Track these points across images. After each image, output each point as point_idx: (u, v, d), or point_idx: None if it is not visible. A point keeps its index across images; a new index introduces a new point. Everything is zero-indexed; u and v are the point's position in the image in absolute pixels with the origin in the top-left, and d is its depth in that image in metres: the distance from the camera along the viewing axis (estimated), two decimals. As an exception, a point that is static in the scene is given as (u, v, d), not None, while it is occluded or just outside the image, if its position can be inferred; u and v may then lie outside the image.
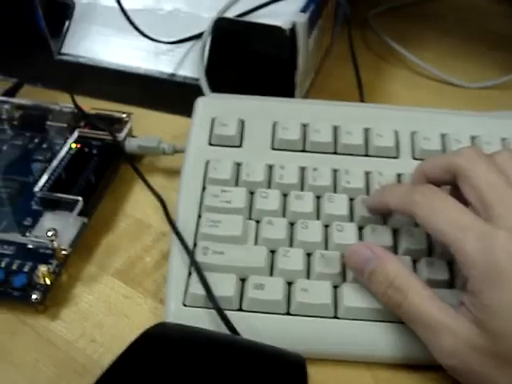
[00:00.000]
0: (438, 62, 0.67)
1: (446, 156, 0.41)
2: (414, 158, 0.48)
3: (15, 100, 0.55)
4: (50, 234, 0.43)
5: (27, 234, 0.45)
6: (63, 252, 0.44)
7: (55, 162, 0.49)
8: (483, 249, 0.34)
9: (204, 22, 0.56)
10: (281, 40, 0.51)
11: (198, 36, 0.57)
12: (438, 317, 0.36)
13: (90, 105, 0.55)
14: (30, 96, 0.58)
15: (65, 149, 0.50)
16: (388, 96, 0.62)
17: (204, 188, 0.45)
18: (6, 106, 0.55)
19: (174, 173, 0.52)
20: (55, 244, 0.43)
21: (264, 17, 0.55)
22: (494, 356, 0.33)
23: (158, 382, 0.28)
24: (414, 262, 0.42)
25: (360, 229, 0.44)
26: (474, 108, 0.60)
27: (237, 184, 0.46)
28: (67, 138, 0.52)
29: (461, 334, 0.35)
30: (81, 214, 0.46)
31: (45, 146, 0.52)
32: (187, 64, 0.57)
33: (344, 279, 0.41)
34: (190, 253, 0.41)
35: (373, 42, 0.70)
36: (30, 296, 0.42)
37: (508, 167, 0.38)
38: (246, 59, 0.54)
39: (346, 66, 0.61)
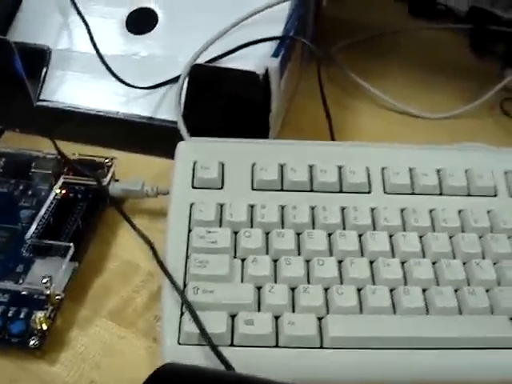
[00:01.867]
0: (399, 93, 0.71)
1: None
2: (385, 192, 0.51)
3: (-1, 146, 0.57)
4: (44, 280, 0.45)
5: (20, 281, 0.47)
6: (57, 297, 0.46)
7: (43, 210, 0.51)
8: None
9: (179, 65, 0.59)
10: (255, 84, 0.54)
11: (174, 80, 0.60)
12: None
13: (71, 149, 0.57)
14: (11, 142, 0.59)
15: (51, 195, 0.53)
16: (354, 129, 0.66)
17: (190, 230, 0.48)
18: (-11, 154, 0.56)
19: (157, 214, 0.54)
20: (50, 290, 0.44)
21: (237, 60, 0.58)
22: None
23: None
24: (390, 291, 0.45)
25: (340, 262, 0.46)
26: (437, 138, 0.64)
27: (221, 224, 0.48)
28: (52, 184, 0.54)
29: None
30: (71, 259, 0.48)
31: (30, 192, 0.54)
32: (164, 107, 0.60)
33: (327, 311, 0.44)
34: (182, 293, 0.44)
35: (336, 76, 0.74)
36: (29, 342, 0.43)
37: None
38: (221, 103, 0.56)
39: (313, 102, 0.64)
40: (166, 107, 0.59)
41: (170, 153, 0.54)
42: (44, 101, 0.62)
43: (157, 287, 0.48)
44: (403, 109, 0.69)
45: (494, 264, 0.47)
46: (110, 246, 0.52)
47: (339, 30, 0.82)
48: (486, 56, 0.81)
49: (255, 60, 0.58)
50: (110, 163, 0.55)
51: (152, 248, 0.47)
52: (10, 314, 0.45)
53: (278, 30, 0.61)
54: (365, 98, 0.71)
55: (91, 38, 0.60)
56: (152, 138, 0.60)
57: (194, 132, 0.55)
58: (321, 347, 0.43)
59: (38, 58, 0.63)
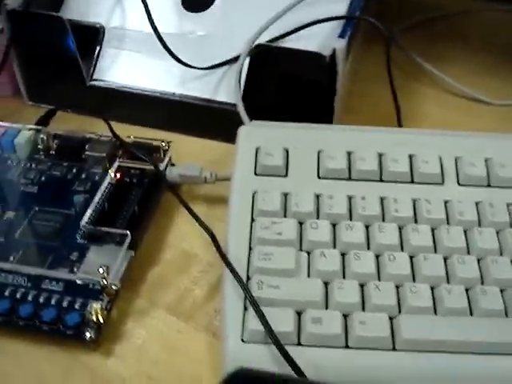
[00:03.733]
0: (465, 78, 0.67)
1: None
2: (459, 184, 0.47)
3: (51, 129, 0.55)
4: (101, 270, 0.43)
5: (75, 270, 0.45)
6: (114, 287, 0.43)
7: (98, 194, 0.49)
8: None
9: (237, 45, 0.56)
10: (320, 66, 0.51)
11: (232, 61, 0.57)
12: None
13: (125, 131, 0.55)
14: (63, 123, 0.57)
15: (106, 180, 0.50)
16: (420, 116, 0.62)
17: (253, 219, 0.45)
18: (42, 135, 0.54)
19: (215, 201, 0.52)
20: (107, 281, 0.42)
21: (298, 40, 0.55)
22: None
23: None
24: (466, 290, 0.42)
25: (411, 257, 0.43)
26: (504, 125, 0.60)
27: (286, 215, 0.45)
28: (106, 168, 0.52)
29: None
30: (128, 247, 0.46)
31: (83, 176, 0.52)
32: (223, 89, 0.57)
33: (399, 310, 0.41)
34: (246, 287, 0.41)
35: (399, 58, 0.70)
36: (84, 334, 0.41)
37: None
38: (283, 85, 0.54)
39: (375, 85, 0.61)
40: (225, 89, 0.57)
41: (227, 136, 0.52)
42: (97, 80, 0.60)
43: (216, 279, 0.46)
44: (471, 95, 0.65)
45: None
46: (166, 234, 0.50)
47: (400, 10, 0.78)
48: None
49: (318, 40, 0.55)
50: (166, 147, 0.52)
51: (213, 237, 0.44)
52: (64, 305, 0.43)
53: (341, 9, 0.58)
54: (429, 82, 0.68)
55: (149, 16, 0.58)
56: (209, 120, 0.57)
57: (254, 115, 0.53)
58: (393, 349, 0.40)
59: (91, 37, 0.60)
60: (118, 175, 0.51)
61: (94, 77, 0.60)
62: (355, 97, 0.63)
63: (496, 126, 0.62)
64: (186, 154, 0.55)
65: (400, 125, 0.56)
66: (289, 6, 0.57)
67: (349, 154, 0.48)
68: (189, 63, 0.57)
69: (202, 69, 0.57)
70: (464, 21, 0.78)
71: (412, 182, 0.48)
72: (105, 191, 0.50)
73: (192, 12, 0.61)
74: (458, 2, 0.81)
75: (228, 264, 0.42)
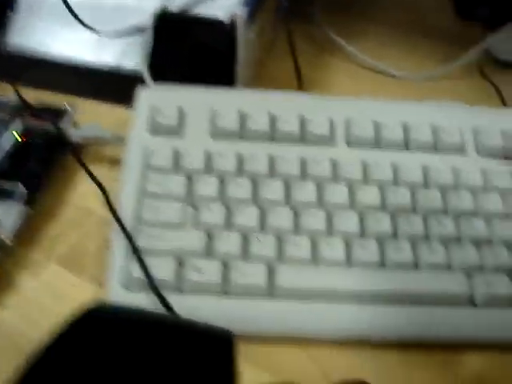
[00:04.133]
0: (378, 53, 0.69)
1: None
2: (348, 146, 0.49)
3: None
4: (-6, 223, 0.44)
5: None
6: (7, 241, 0.44)
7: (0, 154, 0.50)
8: None
9: (147, 13, 0.57)
10: (221, 33, 0.53)
11: (141, 29, 0.58)
12: None
13: (36, 96, 0.56)
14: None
15: (8, 139, 0.51)
16: (328, 87, 0.64)
17: (145, 176, 0.46)
18: None
19: (117, 163, 0.53)
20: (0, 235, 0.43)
21: (208, 7, 0.56)
22: None
23: (91, 359, 0.29)
24: (346, 243, 0.44)
25: (295, 212, 0.45)
26: (412, 98, 0.62)
27: (176, 171, 0.47)
28: (10, 129, 0.52)
29: None
30: (24, 203, 0.47)
31: (-12, 136, 0.53)
32: (130, 56, 0.58)
33: (279, 261, 0.43)
34: (131, 238, 0.43)
35: (315, 34, 0.72)
36: (-25, 283, 0.42)
37: None
38: (187, 51, 0.55)
39: (288, 58, 0.62)
40: (133, 56, 0.58)
41: (134, 102, 0.53)
42: (8, 46, 0.60)
43: (109, 234, 0.47)
44: (380, 68, 0.67)
45: (454, 220, 0.46)
46: (66, 193, 0.51)
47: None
48: (469, 20, 0.79)
49: (226, 8, 0.56)
50: (70, 109, 0.53)
51: (104, 192, 0.46)
52: (-44, 255, 0.44)
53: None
54: (342, 56, 0.69)
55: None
56: (118, 86, 0.58)
57: (160, 81, 0.54)
58: (270, 297, 0.42)
59: (3, 3, 0.61)
60: (21, 136, 0.52)
61: (5, 43, 0.60)
62: (268, 67, 0.65)
63: (403, 98, 0.64)
64: (95, 119, 0.56)
65: (300, 89, 0.58)
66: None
67: (241, 114, 0.50)
68: (100, 30, 0.58)
69: (110, 35, 0.58)
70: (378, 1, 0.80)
71: (302, 142, 0.49)
72: (7, 151, 0.50)
73: (106, -19, 0.62)
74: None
75: (115, 215, 0.43)
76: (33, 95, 0.55)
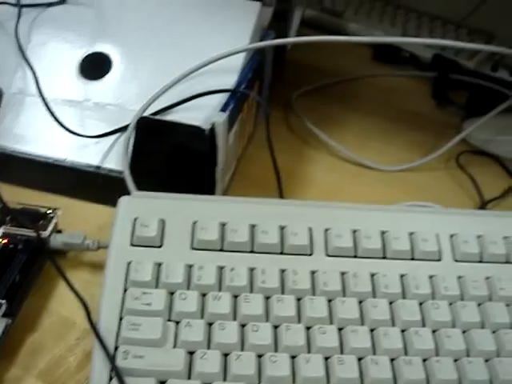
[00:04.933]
0: (356, 144, 0.71)
1: None
2: (327, 255, 0.50)
3: None
4: (-28, 341, 0.44)
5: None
6: (-14, 356, 0.45)
7: (-22, 263, 0.50)
8: None
9: (129, 114, 0.59)
10: (201, 139, 0.54)
11: (123, 129, 0.59)
12: None
13: (18, 194, 0.57)
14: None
15: (-11, 247, 0.51)
16: (305, 181, 0.65)
17: (125, 290, 0.47)
18: None
19: (99, 267, 0.53)
20: (-22, 351, 0.44)
21: (187, 111, 0.58)
22: None
23: None
24: (326, 359, 0.44)
25: (276, 327, 0.46)
26: (390, 191, 0.64)
27: (157, 285, 0.47)
28: (-8, 236, 0.53)
29: None
30: (5, 315, 0.47)
31: (-31, 243, 0.53)
32: (112, 157, 0.59)
33: (259, 380, 0.43)
34: (111, 357, 0.43)
35: (294, 124, 0.74)
36: (-48, 404, 0.42)
37: None
38: (168, 156, 0.56)
39: (267, 152, 0.63)
40: (114, 157, 0.59)
41: (116, 202, 0.53)
42: (-10, 145, 0.61)
43: (91, 347, 0.47)
44: (358, 160, 0.69)
45: (433, 332, 0.47)
46: (47, 301, 0.51)
47: (303, 74, 0.82)
48: (447, 105, 0.81)
49: (205, 112, 0.57)
50: (52, 214, 0.54)
51: (85, 307, 0.46)
52: None
53: (231, 81, 0.61)
54: (321, 147, 0.71)
55: (37, 85, 0.60)
56: (99, 186, 0.59)
57: (141, 183, 0.55)
58: (251, 420, 0.42)
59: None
60: (4, 240, 0.52)
61: (-13, 141, 0.61)
62: (246, 163, 0.66)
63: (382, 191, 0.66)
64: (77, 218, 0.57)
65: (281, 193, 0.59)
66: (178, 78, 0.60)
67: (222, 225, 0.50)
68: (82, 130, 0.59)
69: (91, 137, 0.59)
70: (363, 85, 0.83)
71: (282, 253, 0.50)
72: (-14, 259, 0.51)
73: (89, 80, 0.63)
74: (361, 67, 0.85)
75: (96, 333, 0.44)
76: (13, 194, 0.56)
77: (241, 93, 0.58)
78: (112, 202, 0.55)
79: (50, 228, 0.53)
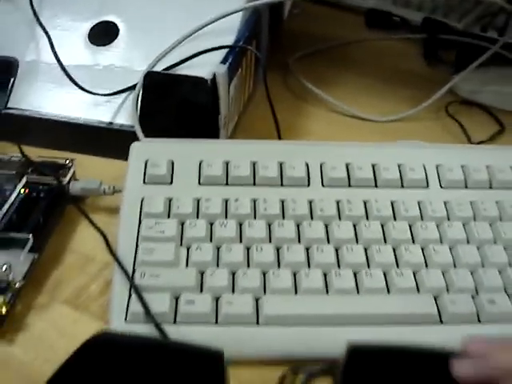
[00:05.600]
0: (351, 99, 0.75)
1: None
2: (323, 186, 0.55)
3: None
4: (4, 268, 0.49)
5: (-18, 271, 0.50)
6: (17, 284, 0.49)
7: (6, 206, 0.55)
8: None
9: (137, 74, 0.63)
10: (203, 89, 0.58)
11: (132, 87, 0.64)
12: None
13: (36, 153, 0.61)
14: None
15: (14, 194, 0.56)
16: (305, 133, 0.70)
17: (140, 221, 0.52)
18: (-44, 158, 0.60)
19: (115, 210, 0.58)
20: (10, 277, 0.48)
21: (191, 68, 0.62)
22: None
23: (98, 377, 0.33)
24: (324, 274, 0.49)
25: (278, 248, 0.50)
26: (383, 140, 0.68)
27: (169, 216, 0.52)
28: (16, 185, 0.57)
29: None
30: (31, 250, 0.52)
31: (-5, 192, 0.58)
32: (123, 113, 0.64)
33: (264, 292, 0.48)
34: (130, 277, 0.47)
35: (293, 85, 0.78)
36: (-12, 324, 0.47)
37: None
38: (174, 107, 0.61)
39: (267, 109, 0.68)
40: (125, 113, 0.64)
41: (128, 155, 0.58)
42: (11, 108, 0.65)
43: (111, 276, 0.52)
44: (353, 113, 0.73)
45: (423, 249, 0.51)
46: (68, 241, 0.56)
47: (299, 41, 0.86)
48: (437, 64, 0.85)
49: (207, 67, 0.62)
50: (70, 164, 0.59)
51: (105, 237, 0.51)
52: (-28, 300, 0.48)
53: (229, 40, 0.65)
54: (318, 104, 0.75)
55: (53, 50, 0.65)
56: (111, 141, 0.63)
57: (150, 134, 0.60)
58: (257, 324, 0.46)
59: (6, 69, 0.67)
60: (26, 190, 0.57)
61: (9, 105, 0.66)
62: (248, 118, 0.70)
63: (376, 139, 0.70)
64: (91, 172, 0.61)
65: (279, 137, 0.63)
66: (180, 39, 0.64)
67: (226, 163, 0.55)
68: (93, 91, 0.64)
69: (104, 95, 0.64)
70: (357, 50, 0.87)
71: (281, 185, 0.55)
72: (13, 204, 0.55)
73: (97, 46, 0.68)
74: (354, 33, 0.90)
75: (115, 257, 0.48)
76: (34, 153, 0.60)
77: (239, 47, 0.63)
78: (124, 155, 0.60)
79: (69, 175, 0.58)
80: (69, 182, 0.58)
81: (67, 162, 0.59)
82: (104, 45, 0.68)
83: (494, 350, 0.35)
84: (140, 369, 0.34)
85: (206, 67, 0.62)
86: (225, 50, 0.64)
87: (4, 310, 0.48)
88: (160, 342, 0.40)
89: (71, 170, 0.59)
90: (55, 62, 0.66)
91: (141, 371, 0.34)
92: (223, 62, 0.61)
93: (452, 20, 0.91)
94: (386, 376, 0.34)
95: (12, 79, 0.67)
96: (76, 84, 0.63)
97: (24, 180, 0.58)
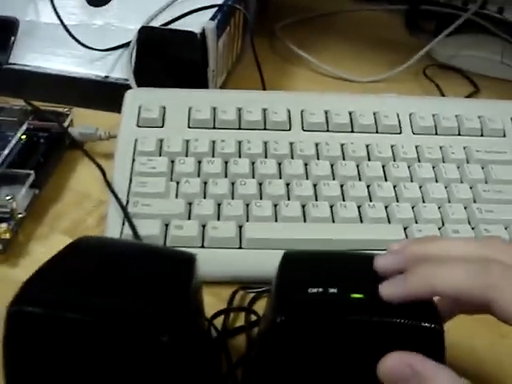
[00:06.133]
0: (335, 62, 0.80)
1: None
2: (303, 130, 0.59)
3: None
4: (8, 197, 0.53)
5: (-12, 203, 0.55)
6: (19, 215, 0.54)
7: (8, 149, 0.59)
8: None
9: (130, 33, 0.67)
10: (193, 42, 0.63)
11: (127, 44, 0.68)
12: None
13: (37, 105, 0.65)
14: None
15: (16, 138, 0.60)
16: (287, 89, 0.74)
17: (134, 160, 0.56)
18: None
19: (110, 156, 0.62)
20: (13, 205, 0.53)
21: (182, 26, 0.66)
22: None
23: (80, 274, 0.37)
24: (303, 206, 0.53)
25: (260, 184, 0.55)
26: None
27: (160, 154, 0.56)
28: (18, 130, 0.62)
29: None
30: (32, 186, 0.56)
31: (-2, 137, 0.62)
32: (118, 68, 0.68)
33: (247, 219, 0.52)
34: (123, 205, 0.52)
35: (279, 49, 0.83)
36: (-7, 248, 0.51)
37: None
38: (166, 60, 0.65)
39: (254, 68, 0.72)
40: (120, 68, 0.68)
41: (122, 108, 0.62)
42: (12, 64, 0.70)
43: (105, 212, 0.56)
44: (336, 74, 0.77)
45: (394, 187, 0.56)
46: (67, 180, 0.60)
47: (286, 9, 0.90)
48: (418, 33, 0.90)
49: (197, 25, 0.66)
50: (68, 112, 0.63)
51: (102, 171, 0.55)
52: (-22, 228, 0.53)
53: (218, 1, 0.69)
54: (303, 66, 0.80)
55: (55, 10, 0.69)
56: (107, 94, 0.68)
57: (144, 86, 0.64)
58: (240, 248, 0.51)
59: (7, 28, 0.71)
60: (27, 135, 0.61)
61: (10, 61, 0.70)
62: (235, 76, 0.75)
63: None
64: (88, 122, 0.65)
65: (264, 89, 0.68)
66: (171, 1, 0.69)
67: (213, 108, 0.59)
68: (91, 46, 0.68)
69: (100, 50, 0.68)
70: (340, 19, 0.91)
71: (265, 129, 0.59)
72: (14, 147, 0.60)
73: (94, 7, 0.72)
74: (331, 3, 0.94)
75: (111, 188, 0.53)
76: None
77: (228, 6, 0.67)
78: (118, 108, 0.64)
79: (68, 120, 0.62)
80: (67, 128, 0.62)
81: (65, 110, 0.63)
82: (100, 5, 0.72)
83: (410, 244, 0.39)
84: (117, 264, 0.37)
85: (196, 24, 0.66)
86: (214, 10, 0.68)
87: (8, 235, 0.52)
88: (138, 243, 0.45)
89: (69, 117, 0.63)
90: (53, 21, 0.71)
91: (118, 266, 0.37)
92: (212, 19, 0.65)
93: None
94: (316, 274, 0.38)
95: (13, 37, 0.71)
96: (75, 39, 0.67)
97: (25, 126, 0.62)
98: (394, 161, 0.58)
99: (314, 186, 0.55)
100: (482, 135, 0.60)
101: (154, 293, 0.34)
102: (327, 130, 0.59)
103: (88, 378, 0.33)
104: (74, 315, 0.32)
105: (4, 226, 0.52)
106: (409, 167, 0.57)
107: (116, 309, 0.33)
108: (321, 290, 0.36)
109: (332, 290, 0.36)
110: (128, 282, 0.35)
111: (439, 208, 0.55)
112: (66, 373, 0.34)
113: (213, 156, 0.56)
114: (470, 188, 0.56)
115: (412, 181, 0.56)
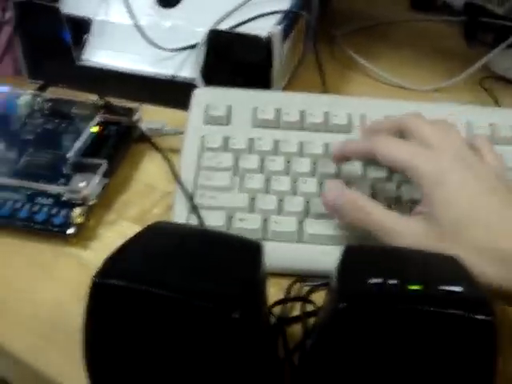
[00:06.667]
0: (393, 70, 0.82)
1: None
2: (364, 133, 0.61)
3: (46, 94, 0.69)
4: (82, 184, 0.56)
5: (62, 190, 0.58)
6: (91, 201, 0.57)
7: (81, 140, 0.62)
8: (430, 163, 0.48)
9: (198, 34, 0.71)
10: (259, 46, 0.66)
11: (195, 45, 0.71)
12: (397, 225, 0.48)
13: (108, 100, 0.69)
14: (55, 94, 0.71)
15: (88, 130, 0.64)
16: (350, 95, 0.76)
17: (200, 154, 0.59)
18: (39, 99, 0.68)
19: (176, 150, 0.65)
20: (86, 192, 0.56)
21: (248, 29, 0.69)
22: (439, 236, 0.46)
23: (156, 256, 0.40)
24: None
25: (320, 184, 0.57)
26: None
27: (225, 151, 0.59)
28: (90, 123, 0.65)
29: (416, 231, 0.47)
30: (105, 175, 0.59)
31: (71, 129, 0.65)
32: (186, 67, 0.71)
33: (307, 216, 0.55)
34: (189, 196, 0.55)
35: (339, 56, 0.85)
36: (67, 231, 0.55)
37: (447, 128, 0.52)
38: (232, 62, 0.68)
39: (315, 74, 0.75)
40: (188, 67, 0.71)
41: (188, 106, 0.65)
42: (84, 61, 0.73)
43: (172, 203, 0.59)
44: (393, 81, 0.79)
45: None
46: (134, 172, 0.64)
47: (346, 17, 0.93)
48: (476, 45, 0.91)
49: (263, 29, 0.69)
50: (137, 107, 0.66)
51: (170, 164, 0.58)
52: (53, 212, 0.56)
53: (284, 6, 0.72)
54: (363, 73, 0.82)
55: (129, 10, 0.72)
56: (175, 93, 0.71)
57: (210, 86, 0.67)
58: (300, 242, 0.53)
59: (81, 26, 0.74)
60: (98, 127, 0.65)
61: (83, 59, 0.73)
62: (296, 80, 0.77)
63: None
64: (155, 118, 0.69)
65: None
66: (241, 4, 0.71)
67: (277, 110, 0.62)
68: (161, 46, 0.71)
69: (169, 50, 0.71)
70: (400, 29, 0.93)
71: (326, 131, 0.61)
72: (87, 138, 0.63)
73: (164, 8, 0.75)
74: (398, 13, 0.96)
75: (178, 180, 0.56)
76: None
77: (293, 13, 0.70)
78: (185, 106, 0.67)
79: (137, 116, 0.65)
80: (136, 122, 0.65)
81: (135, 105, 0.67)
82: (170, 7, 0.75)
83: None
84: (192, 247, 0.40)
85: (263, 29, 0.69)
86: (279, 15, 0.71)
87: (81, 220, 0.55)
88: (209, 230, 0.48)
89: (138, 112, 0.66)
90: (123, 21, 0.74)
91: (193, 249, 0.39)
92: (278, 24, 0.68)
93: (493, 5, 0.96)
94: (376, 266, 0.40)
95: (86, 35, 0.74)
96: (146, 38, 0.71)
97: (97, 119, 0.65)
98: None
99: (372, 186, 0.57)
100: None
101: (227, 275, 0.37)
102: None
103: (163, 350, 0.36)
104: (157, 290, 0.35)
105: (78, 210, 0.55)
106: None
107: (194, 287, 0.35)
108: (381, 280, 0.38)
109: (391, 282, 0.38)
110: (203, 263, 0.38)
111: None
112: (143, 346, 0.37)
113: (275, 155, 0.59)
114: None
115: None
